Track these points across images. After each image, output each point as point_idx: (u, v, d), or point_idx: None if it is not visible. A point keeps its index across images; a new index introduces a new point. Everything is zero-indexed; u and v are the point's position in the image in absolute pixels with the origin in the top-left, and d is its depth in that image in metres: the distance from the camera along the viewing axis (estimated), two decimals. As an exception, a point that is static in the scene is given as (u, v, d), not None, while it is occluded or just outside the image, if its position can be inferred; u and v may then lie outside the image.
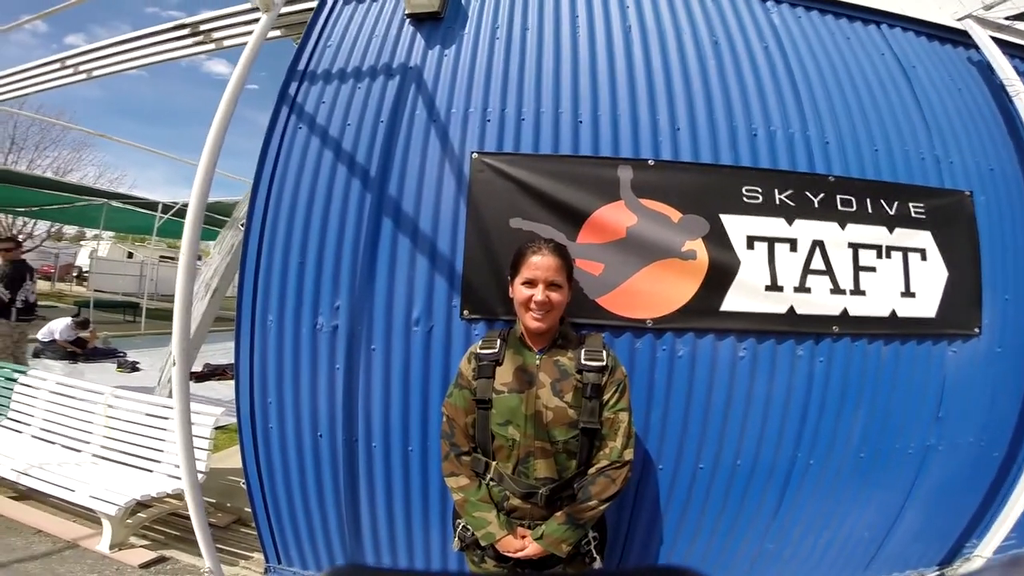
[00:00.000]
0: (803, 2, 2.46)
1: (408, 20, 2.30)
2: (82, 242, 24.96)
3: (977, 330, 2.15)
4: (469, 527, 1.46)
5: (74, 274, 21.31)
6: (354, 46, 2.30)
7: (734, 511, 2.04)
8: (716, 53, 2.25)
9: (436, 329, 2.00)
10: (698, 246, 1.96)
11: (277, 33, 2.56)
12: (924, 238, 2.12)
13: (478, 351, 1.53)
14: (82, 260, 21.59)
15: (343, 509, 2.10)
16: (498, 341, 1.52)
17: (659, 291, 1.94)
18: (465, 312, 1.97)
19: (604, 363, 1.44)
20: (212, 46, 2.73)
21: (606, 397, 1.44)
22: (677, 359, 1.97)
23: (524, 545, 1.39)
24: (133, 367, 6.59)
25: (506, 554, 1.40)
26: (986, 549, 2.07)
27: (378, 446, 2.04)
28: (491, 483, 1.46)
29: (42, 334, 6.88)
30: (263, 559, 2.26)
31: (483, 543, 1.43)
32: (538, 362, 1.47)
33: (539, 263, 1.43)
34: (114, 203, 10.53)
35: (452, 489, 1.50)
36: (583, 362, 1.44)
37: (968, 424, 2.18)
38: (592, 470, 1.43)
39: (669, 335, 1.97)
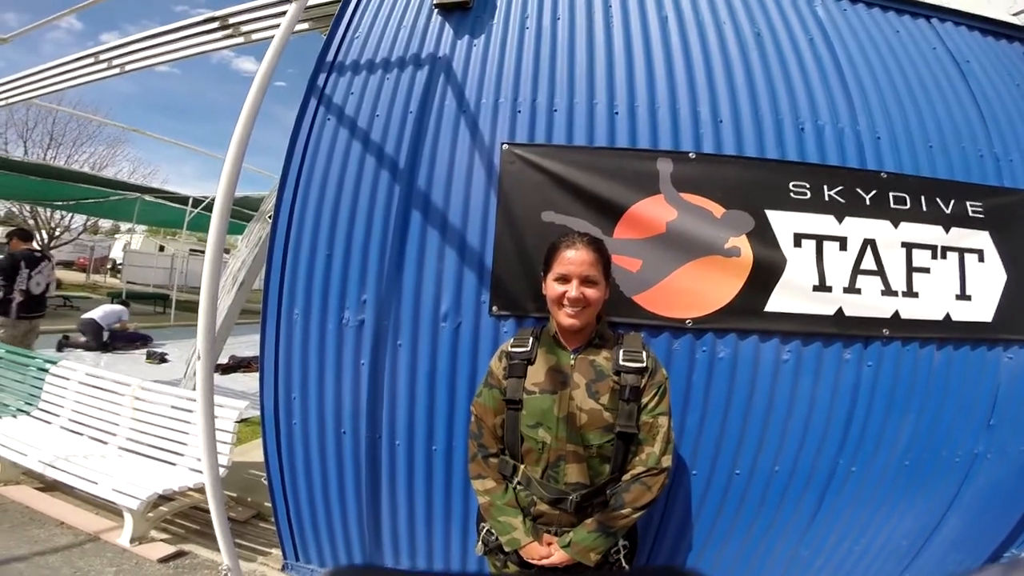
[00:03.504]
0: (848, -6, 2.36)
1: (436, 10, 2.25)
2: (116, 235, 25.72)
3: (1035, 335, 2.02)
4: (493, 531, 1.40)
5: (108, 266, 21.93)
6: (382, 37, 2.26)
7: (769, 518, 1.97)
8: (759, 44, 2.16)
9: (464, 325, 1.95)
10: (742, 243, 1.87)
11: (305, 26, 2.55)
12: (982, 238, 2.00)
13: (509, 349, 1.46)
14: (116, 253, 22.26)
15: (364, 507, 2.07)
16: (530, 339, 1.46)
17: (700, 290, 1.86)
18: (494, 308, 1.91)
19: (644, 364, 1.37)
20: (241, 39, 2.72)
21: (645, 400, 1.37)
22: (718, 361, 1.89)
23: (549, 553, 1.33)
24: (162, 358, 6.65)
25: (530, 561, 1.34)
26: (1033, 562, 1.95)
27: (402, 444, 2.00)
28: (518, 487, 1.40)
29: (84, 321, 6.97)
30: (281, 555, 2.25)
31: (507, 548, 1.37)
32: (572, 362, 1.40)
33: (573, 258, 1.37)
34: (147, 197, 10.77)
35: (478, 492, 1.44)
36: (621, 363, 1.37)
37: (1019, 432, 2.06)
38: (627, 476, 1.36)
39: (709, 336, 1.89)
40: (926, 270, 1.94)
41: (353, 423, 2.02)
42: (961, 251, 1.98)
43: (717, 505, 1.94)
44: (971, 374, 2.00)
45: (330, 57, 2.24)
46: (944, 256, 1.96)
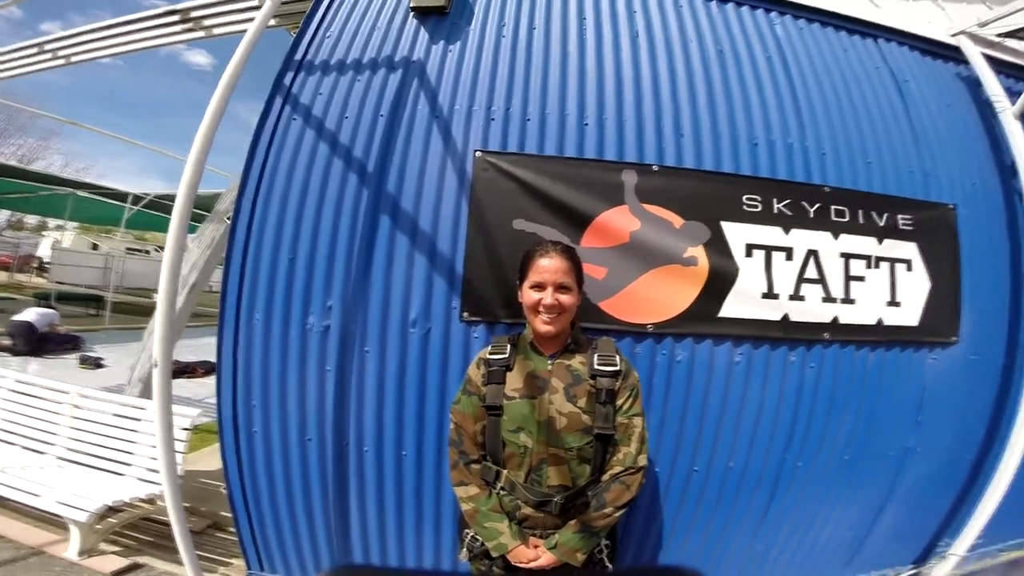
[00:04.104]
0: (805, 14, 2.50)
1: (412, 13, 2.24)
2: (44, 232, 23.79)
3: (955, 338, 2.24)
4: (479, 537, 1.42)
5: (34, 265, 20.22)
6: (355, 37, 2.22)
7: (726, 513, 2.08)
8: (721, 62, 2.26)
9: (434, 331, 1.95)
10: (699, 252, 1.97)
11: (273, 22, 2.46)
12: (910, 249, 2.19)
13: (487, 356, 1.49)
14: (43, 251, 20.53)
15: (331, 514, 2.04)
16: (508, 346, 1.49)
17: (660, 296, 1.95)
18: (465, 314, 1.93)
19: (618, 367, 1.42)
20: (202, 34, 2.61)
21: (620, 402, 1.42)
22: (676, 364, 1.99)
23: (537, 555, 1.36)
24: (97, 363, 6.22)
25: (518, 565, 1.37)
26: (959, 548, 2.16)
27: (370, 451, 1.98)
28: (502, 492, 1.43)
29: (15, 324, 6.45)
30: (244, 565, 2.18)
31: (495, 554, 1.39)
32: (550, 367, 1.44)
33: (547, 266, 1.41)
34: (80, 193, 10.00)
35: (461, 499, 1.45)
36: (596, 367, 1.42)
37: (944, 428, 2.27)
38: (606, 476, 1.41)
39: (669, 340, 1.98)
40: (861, 279, 2.11)
41: (319, 430, 1.98)
42: (892, 261, 2.17)
43: (678, 501, 2.04)
44: (900, 374, 2.19)
45: (299, 56, 2.18)
46: (877, 266, 2.14)
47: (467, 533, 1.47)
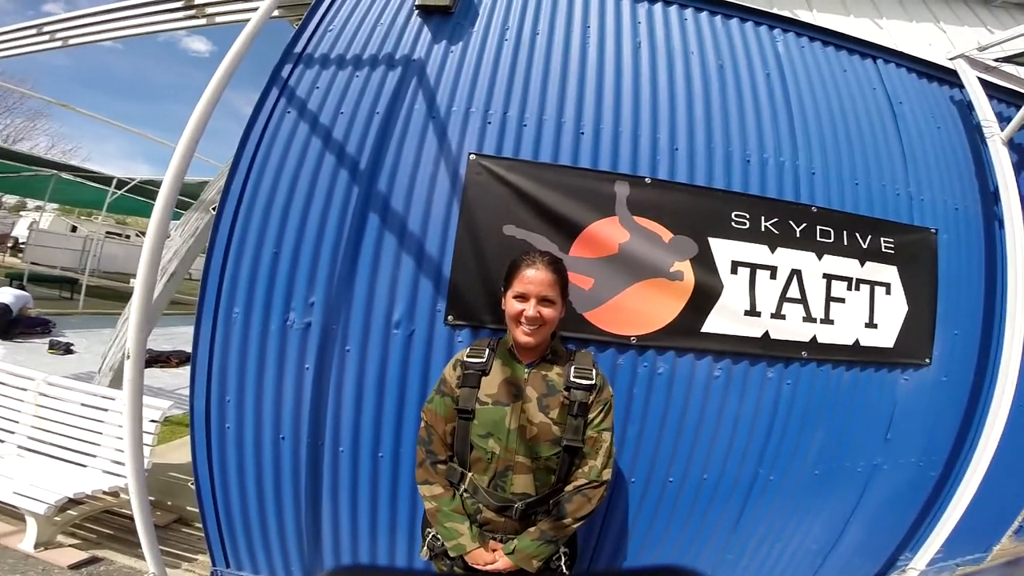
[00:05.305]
0: (808, 32, 2.53)
1: (417, 12, 2.21)
2: (22, 212, 23.09)
3: (928, 360, 2.31)
4: (439, 537, 1.43)
5: (8, 244, 19.55)
6: (357, 32, 2.19)
7: (698, 523, 2.11)
8: (720, 77, 2.28)
9: (417, 333, 1.93)
10: (685, 267, 1.99)
11: (276, 13, 2.41)
12: (891, 273, 2.24)
13: (465, 359, 1.48)
14: (20, 231, 19.88)
15: (303, 513, 2.01)
16: (486, 350, 1.48)
17: (645, 309, 1.96)
18: (450, 318, 1.92)
19: (593, 382, 1.43)
20: (203, 21, 2.56)
21: (591, 416, 1.43)
22: (657, 376, 2.00)
23: (495, 559, 1.37)
24: (67, 348, 5.99)
25: (475, 567, 1.38)
26: (919, 562, 2.24)
27: (346, 451, 1.96)
28: (465, 494, 1.43)
29: None
30: (209, 562, 2.13)
31: (452, 554, 1.40)
32: (526, 376, 1.44)
33: (532, 277, 1.40)
34: (64, 175, 9.69)
35: (425, 497, 1.46)
36: (572, 379, 1.42)
37: (911, 446, 2.35)
38: (569, 487, 1.41)
39: (651, 352, 2.00)
40: (842, 300, 2.16)
41: (294, 428, 1.94)
42: (872, 284, 2.22)
43: (653, 511, 2.06)
44: (873, 393, 2.25)
45: (299, 48, 2.13)
46: (858, 288, 2.19)
47: (429, 532, 1.48)
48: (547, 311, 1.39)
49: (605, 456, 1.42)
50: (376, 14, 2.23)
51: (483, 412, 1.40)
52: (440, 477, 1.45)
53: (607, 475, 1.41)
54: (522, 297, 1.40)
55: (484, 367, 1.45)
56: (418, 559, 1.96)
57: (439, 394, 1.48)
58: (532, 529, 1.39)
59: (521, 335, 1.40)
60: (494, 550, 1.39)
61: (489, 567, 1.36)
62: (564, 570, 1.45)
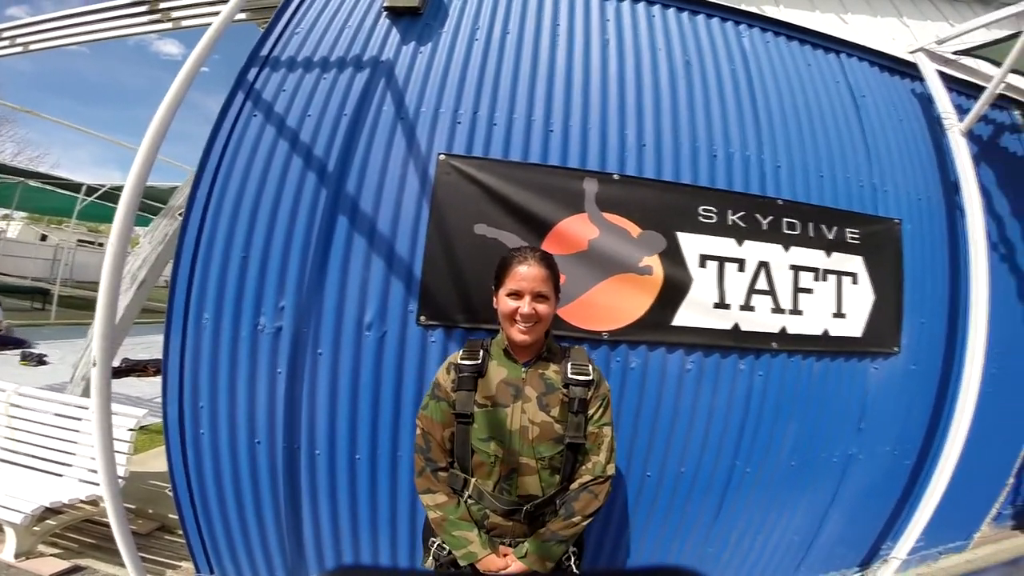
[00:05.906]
0: (773, 27, 2.56)
1: (385, 13, 2.21)
2: None
3: (896, 349, 2.35)
4: (446, 546, 1.38)
5: None
6: (324, 35, 2.18)
7: (678, 517, 2.13)
8: (687, 73, 2.31)
9: (390, 335, 1.93)
10: (655, 262, 2.01)
11: (242, 16, 2.41)
12: (856, 263, 2.28)
13: (458, 362, 1.42)
14: None
15: (283, 516, 2.00)
16: (480, 351, 1.44)
17: (616, 304, 1.98)
18: (422, 318, 1.92)
19: (590, 377, 1.41)
20: (169, 25, 2.55)
21: (591, 411, 1.40)
22: (630, 370, 2.02)
23: (507, 564, 1.33)
24: (40, 360, 5.91)
25: (487, 573, 1.33)
26: (901, 551, 2.25)
27: (322, 454, 1.95)
28: (469, 500, 1.39)
29: None
30: (192, 568, 2.12)
31: (463, 563, 1.35)
32: (524, 375, 1.41)
33: (525, 274, 1.36)
34: (31, 182, 9.53)
35: (428, 507, 1.40)
36: (570, 376, 1.40)
37: (885, 435, 2.39)
38: (575, 485, 1.39)
39: (623, 347, 2.02)
40: (809, 291, 2.19)
41: (269, 433, 1.94)
42: (839, 274, 2.26)
43: (632, 507, 2.08)
44: (844, 383, 2.29)
45: (265, 51, 2.13)
46: (825, 278, 2.23)
47: (433, 542, 1.43)
48: (542, 307, 1.36)
49: (608, 451, 1.40)
50: (344, 16, 2.23)
51: (483, 415, 1.37)
52: (442, 485, 1.40)
53: (611, 470, 1.40)
54: (516, 295, 1.37)
55: (479, 369, 1.41)
56: (408, 559, 1.97)
57: (434, 399, 1.43)
58: (542, 530, 1.36)
59: (517, 333, 1.37)
60: (505, 555, 1.36)
61: (502, 573, 1.32)
62: (574, 568, 1.43)
